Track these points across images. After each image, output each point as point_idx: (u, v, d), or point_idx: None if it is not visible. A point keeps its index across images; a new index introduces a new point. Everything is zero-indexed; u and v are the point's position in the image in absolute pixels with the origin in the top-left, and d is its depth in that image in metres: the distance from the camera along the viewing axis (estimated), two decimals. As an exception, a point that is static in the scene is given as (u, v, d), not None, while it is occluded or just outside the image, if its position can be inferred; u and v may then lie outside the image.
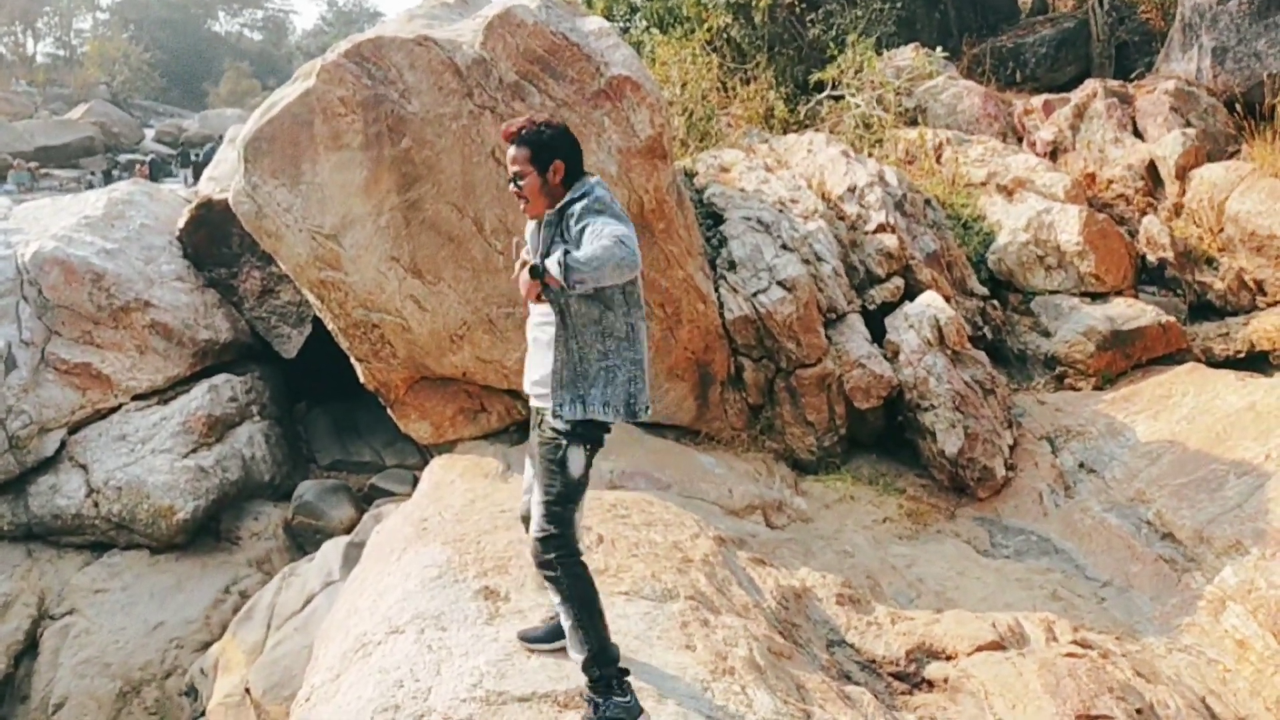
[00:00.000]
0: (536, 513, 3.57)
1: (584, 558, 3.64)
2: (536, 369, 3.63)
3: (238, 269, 10.31)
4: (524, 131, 3.56)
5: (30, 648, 7.64)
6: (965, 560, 6.86)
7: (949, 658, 5.18)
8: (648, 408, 3.64)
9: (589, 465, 3.63)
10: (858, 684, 4.86)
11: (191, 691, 7.29)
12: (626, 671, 3.56)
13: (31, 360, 8.84)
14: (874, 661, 5.22)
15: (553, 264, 3.25)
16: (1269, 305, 9.70)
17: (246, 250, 10.13)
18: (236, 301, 10.32)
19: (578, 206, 3.48)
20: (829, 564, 6.46)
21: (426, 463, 8.26)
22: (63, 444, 8.74)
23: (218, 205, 10.06)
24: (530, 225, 3.73)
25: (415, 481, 8.81)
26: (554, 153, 3.57)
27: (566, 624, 3.55)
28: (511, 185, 3.62)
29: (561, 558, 3.53)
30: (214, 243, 10.34)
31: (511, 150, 3.57)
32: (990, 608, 5.91)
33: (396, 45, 7.46)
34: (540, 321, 3.62)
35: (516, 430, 8.11)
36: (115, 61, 60.87)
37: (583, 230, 3.39)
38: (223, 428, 9.36)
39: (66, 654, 7.45)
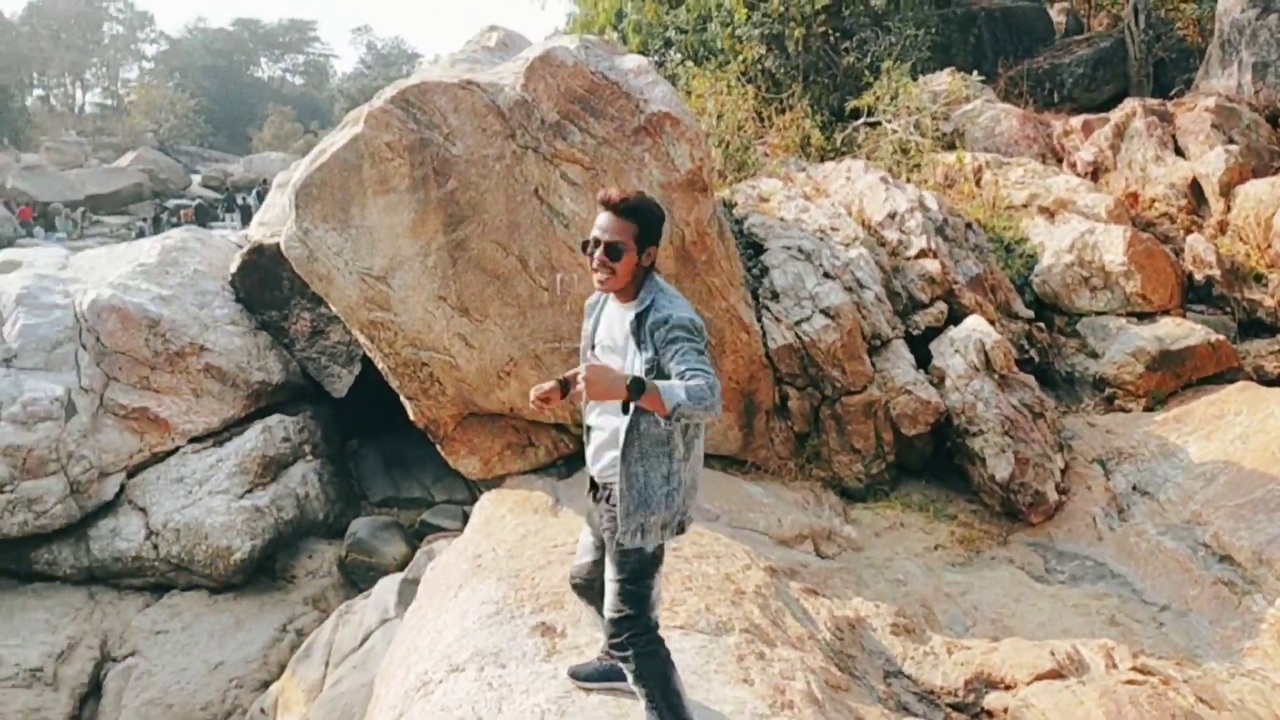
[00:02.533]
0: (610, 590, 3.44)
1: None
2: (605, 457, 3.47)
3: (288, 311, 10.50)
4: (632, 203, 3.33)
5: (94, 690, 7.73)
6: (1020, 586, 6.81)
7: (1008, 687, 5.13)
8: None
9: (662, 545, 3.47)
10: (916, 715, 4.84)
11: (252, 730, 7.38)
12: None
13: (91, 406, 9.05)
14: (932, 692, 5.19)
15: (670, 397, 2.98)
16: (1321, 320, 9.57)
17: (296, 293, 10.32)
18: (288, 343, 10.50)
19: (672, 315, 3.25)
20: (882, 593, 6.44)
21: (475, 498, 8.34)
22: (122, 487, 8.90)
23: (269, 250, 10.27)
24: (595, 299, 3.60)
25: (465, 517, 8.90)
26: (655, 237, 3.38)
27: (641, 701, 3.46)
28: (598, 253, 3.32)
29: (634, 638, 3.39)
30: (265, 286, 10.55)
31: (611, 219, 3.31)
32: (1048, 635, 5.86)
33: (441, 90, 7.62)
34: (603, 412, 3.46)
35: (564, 464, 8.17)
36: (161, 109, 62.56)
37: (673, 346, 3.19)
38: (277, 467, 9.50)
39: (130, 695, 7.53)
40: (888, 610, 5.90)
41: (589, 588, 3.76)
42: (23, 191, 38.27)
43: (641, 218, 3.33)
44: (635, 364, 3.29)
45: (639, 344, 3.30)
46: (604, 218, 3.33)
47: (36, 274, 10.28)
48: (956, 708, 5.08)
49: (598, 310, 3.59)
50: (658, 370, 3.23)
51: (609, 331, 3.47)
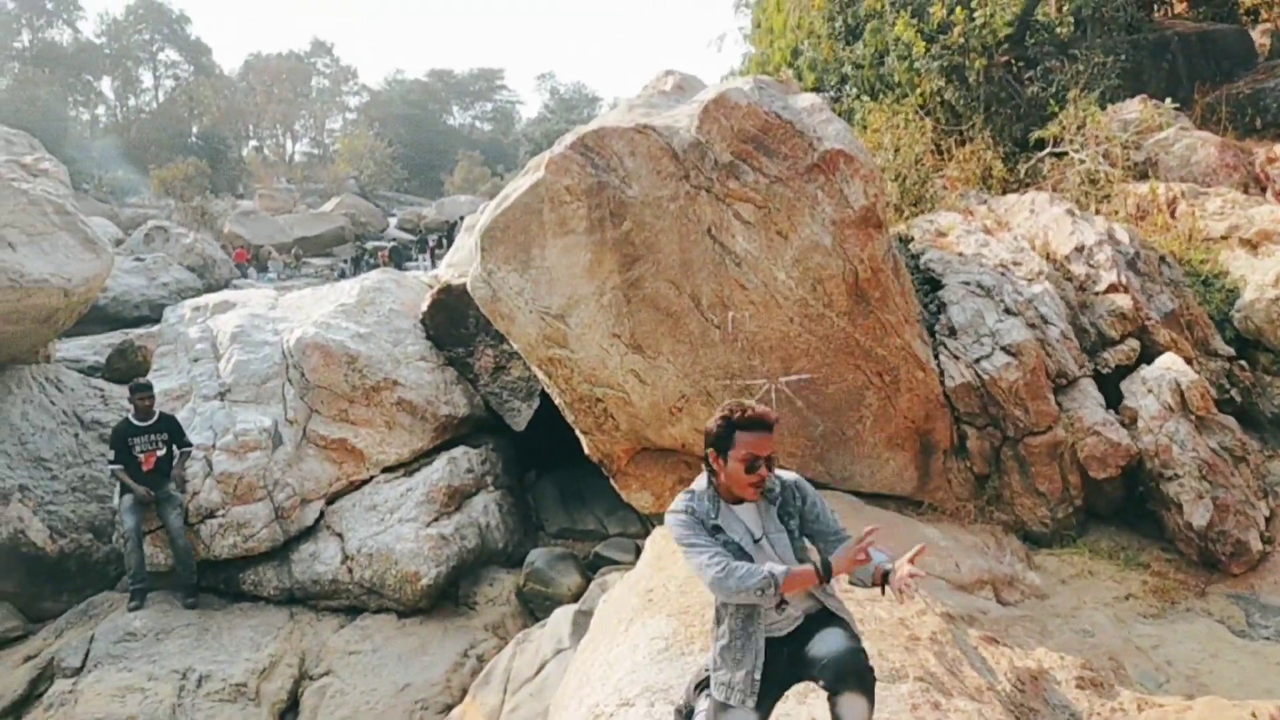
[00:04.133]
0: (848, 635, 3.48)
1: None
2: (798, 611, 3.63)
3: (473, 348, 10.98)
4: (775, 417, 3.51)
5: (292, 706, 8.16)
6: (1218, 641, 6.39)
7: (1204, 749, 4.84)
8: None
9: None
10: (1101, 773, 4.62)
11: (436, 752, 7.65)
12: None
13: (295, 437, 9.69)
14: (1119, 750, 4.95)
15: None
16: None
17: (481, 330, 10.79)
18: (472, 378, 10.97)
19: (788, 479, 3.65)
20: (1067, 644, 6.17)
21: (647, 531, 8.45)
22: (321, 514, 9.44)
23: (456, 290, 10.80)
24: (704, 513, 3.57)
25: (637, 550, 9.03)
26: None
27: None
28: (761, 469, 3.46)
29: None
30: (452, 324, 11.07)
31: (768, 435, 3.46)
32: (1248, 694, 5.48)
33: (617, 134, 7.87)
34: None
35: (736, 501, 8.18)
36: (363, 157, 66.48)
37: (816, 508, 3.61)
38: (461, 497, 9.89)
39: (324, 713, 7.89)
40: (1073, 662, 5.66)
41: None
42: (238, 235, 41.36)
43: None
44: (783, 536, 3.56)
45: (785, 517, 3.59)
46: (763, 436, 3.45)
47: (250, 313, 11.13)
48: (1146, 768, 4.83)
49: (714, 518, 3.57)
50: (800, 531, 3.60)
51: (742, 524, 3.57)
